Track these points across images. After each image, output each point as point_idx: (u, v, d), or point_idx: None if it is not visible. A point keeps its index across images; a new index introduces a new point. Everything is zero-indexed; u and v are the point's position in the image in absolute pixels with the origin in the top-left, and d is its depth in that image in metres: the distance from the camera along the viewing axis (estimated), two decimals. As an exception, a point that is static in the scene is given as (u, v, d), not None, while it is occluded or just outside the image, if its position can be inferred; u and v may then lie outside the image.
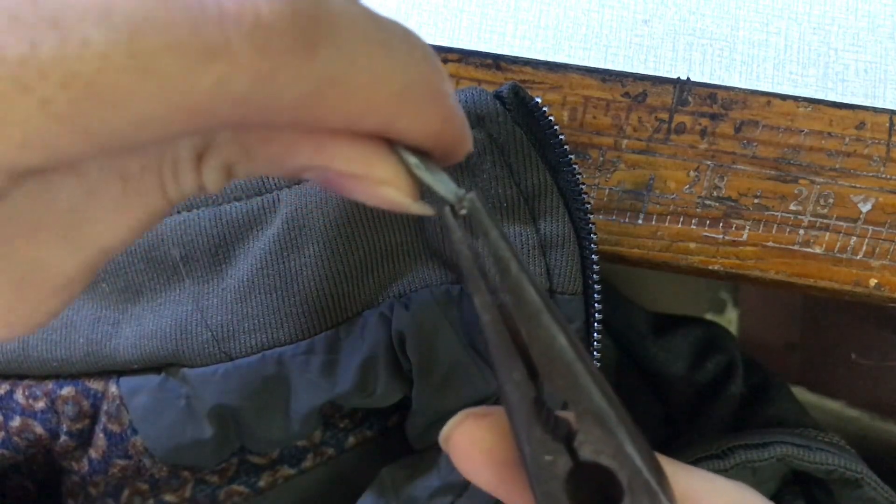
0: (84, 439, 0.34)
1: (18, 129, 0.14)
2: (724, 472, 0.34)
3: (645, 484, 0.18)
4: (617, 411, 0.18)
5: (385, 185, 0.19)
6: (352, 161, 0.18)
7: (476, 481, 0.21)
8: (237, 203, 0.31)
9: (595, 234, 0.30)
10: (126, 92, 0.14)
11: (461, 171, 0.29)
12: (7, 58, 0.13)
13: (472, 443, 0.20)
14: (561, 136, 0.29)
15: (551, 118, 0.29)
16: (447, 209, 0.19)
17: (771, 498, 0.37)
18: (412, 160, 0.19)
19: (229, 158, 0.18)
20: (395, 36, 0.17)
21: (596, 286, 0.30)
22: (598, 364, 0.30)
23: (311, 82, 0.15)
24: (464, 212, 0.19)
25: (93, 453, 0.34)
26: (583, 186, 0.29)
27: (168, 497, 0.37)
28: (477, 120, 0.29)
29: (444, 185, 0.19)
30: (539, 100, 0.29)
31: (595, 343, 0.30)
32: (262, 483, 0.38)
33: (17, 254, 0.17)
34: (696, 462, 0.34)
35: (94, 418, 0.34)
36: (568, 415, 0.19)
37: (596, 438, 0.18)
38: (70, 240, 0.17)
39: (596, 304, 0.30)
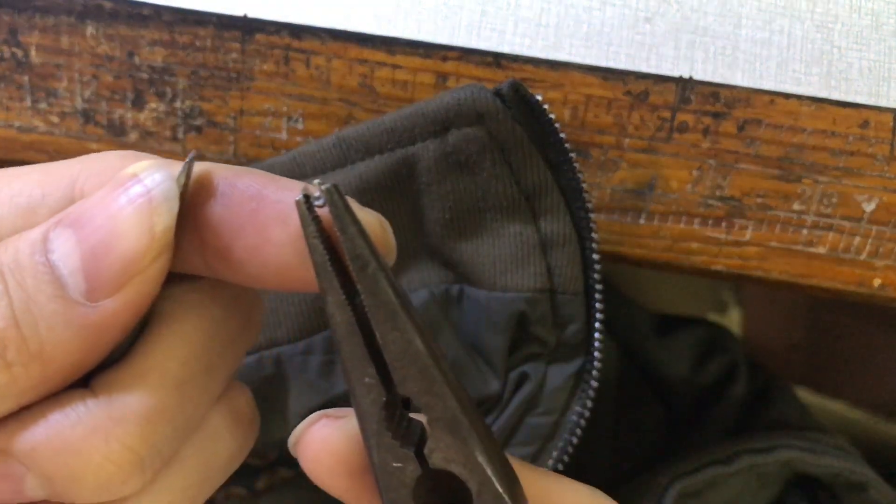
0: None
1: None
2: (729, 477, 0.34)
3: (495, 494, 0.18)
4: (470, 418, 0.18)
5: None
6: None
7: (326, 488, 0.20)
8: None
9: (596, 233, 0.29)
10: None
11: (460, 170, 0.29)
12: None
13: (322, 447, 0.20)
14: (562, 134, 0.29)
15: (552, 116, 0.29)
16: (301, 199, 0.18)
17: (775, 501, 0.36)
18: None
19: None
20: None
21: (597, 286, 0.30)
22: (600, 365, 0.30)
23: None
24: (318, 203, 0.18)
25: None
26: (584, 185, 0.29)
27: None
28: (477, 117, 0.28)
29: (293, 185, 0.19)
30: (540, 97, 0.28)
31: (596, 343, 0.30)
32: (259, 484, 0.37)
33: None
34: (701, 467, 0.34)
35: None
36: (422, 420, 0.18)
37: (446, 446, 0.18)
38: None
39: (597, 304, 0.30)
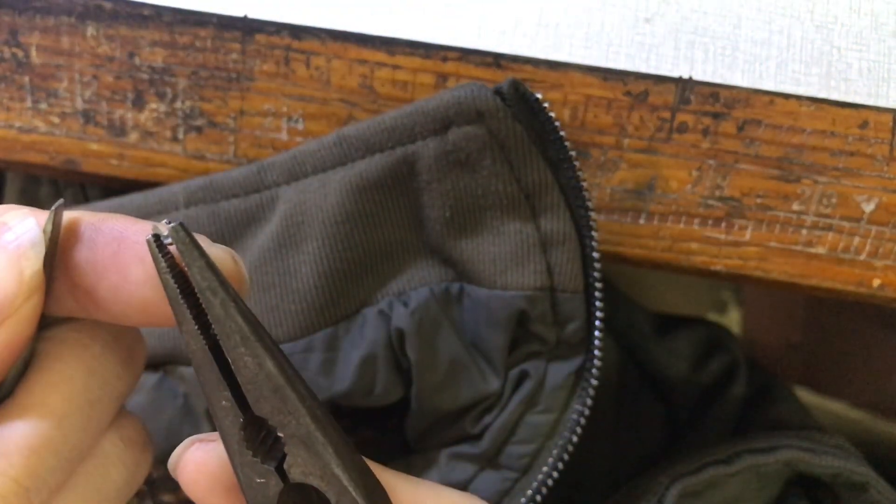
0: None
1: None
2: (730, 477, 0.34)
3: (352, 502, 0.19)
4: (325, 432, 0.19)
5: None
6: None
7: None
8: (235, 200, 0.31)
9: (596, 231, 0.29)
10: None
11: (460, 168, 0.29)
12: None
13: (197, 469, 0.21)
14: (562, 133, 0.29)
15: (552, 114, 0.29)
16: (150, 238, 0.19)
17: (774, 501, 0.36)
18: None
19: None
20: None
21: (597, 284, 0.30)
22: (600, 364, 0.30)
23: None
24: (168, 241, 0.19)
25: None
26: (583, 183, 0.29)
27: (166, 497, 0.36)
28: (477, 116, 0.28)
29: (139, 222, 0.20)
30: (539, 95, 0.28)
31: (596, 342, 0.30)
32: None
33: None
34: (702, 468, 0.34)
35: (91, 418, 0.34)
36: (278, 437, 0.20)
37: (304, 460, 0.19)
38: None
39: (597, 303, 0.30)
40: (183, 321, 0.19)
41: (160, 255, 0.19)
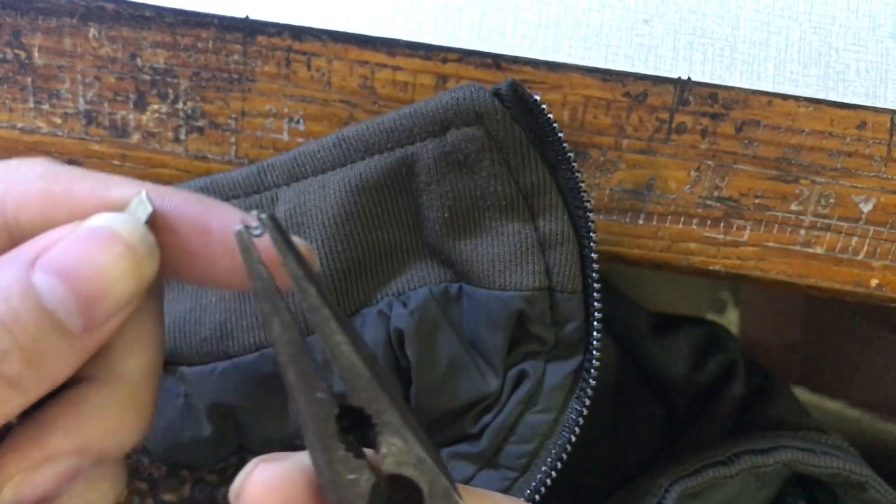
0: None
1: None
2: (729, 478, 0.34)
3: (444, 488, 0.19)
4: (413, 424, 0.19)
5: None
6: None
7: None
8: (235, 200, 0.31)
9: (595, 232, 0.30)
10: None
11: (458, 169, 0.29)
12: None
13: (266, 489, 0.20)
14: (560, 134, 0.29)
15: (550, 115, 0.29)
16: (241, 229, 0.19)
17: (772, 500, 0.36)
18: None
19: None
20: None
21: (595, 284, 0.30)
22: (598, 364, 0.30)
23: None
24: (257, 232, 0.19)
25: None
26: (582, 185, 0.29)
27: (167, 496, 0.37)
28: (475, 117, 0.29)
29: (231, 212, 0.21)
30: (538, 97, 0.29)
31: (594, 342, 0.30)
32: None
33: None
34: (701, 469, 0.34)
35: (93, 417, 0.34)
36: (370, 430, 0.19)
37: (398, 450, 0.19)
38: None
39: (596, 303, 0.30)
40: (274, 312, 0.19)
41: (252, 247, 0.19)
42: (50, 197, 0.21)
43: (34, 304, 0.19)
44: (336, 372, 0.19)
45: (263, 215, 0.19)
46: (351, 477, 0.19)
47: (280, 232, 0.19)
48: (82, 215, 0.20)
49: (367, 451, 0.20)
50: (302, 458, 0.20)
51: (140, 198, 0.21)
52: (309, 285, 0.19)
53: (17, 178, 0.21)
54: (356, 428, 0.19)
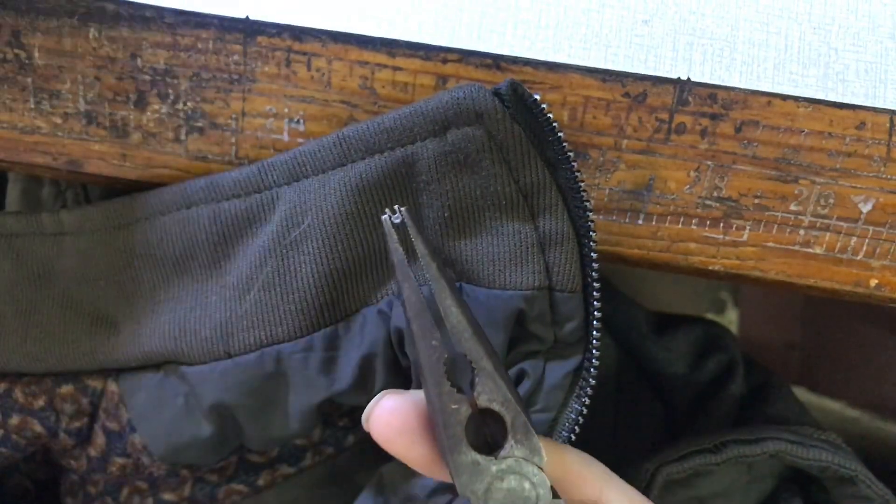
0: (83, 437, 0.34)
1: None
2: (716, 466, 0.34)
3: (523, 423, 0.25)
4: (504, 373, 0.25)
5: None
6: None
7: (393, 446, 0.26)
8: (236, 200, 0.31)
9: (594, 231, 0.30)
10: None
11: (458, 169, 0.29)
12: None
13: (391, 413, 0.26)
14: (560, 134, 0.29)
15: (550, 115, 0.29)
16: (386, 217, 0.25)
17: (768, 495, 0.37)
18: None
19: None
20: None
21: (595, 284, 0.30)
22: (598, 363, 0.31)
23: None
24: (397, 220, 0.25)
25: (92, 451, 0.34)
26: (582, 184, 0.29)
27: (167, 496, 0.37)
28: (475, 117, 0.29)
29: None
30: (538, 96, 0.29)
31: (594, 341, 0.30)
32: (261, 482, 0.38)
33: None
34: (687, 455, 0.34)
35: (92, 416, 0.34)
36: (469, 372, 0.25)
37: (490, 390, 0.24)
38: None
39: (595, 303, 0.30)
40: (406, 280, 0.25)
41: (393, 230, 0.25)
42: None
43: None
44: (447, 327, 0.25)
45: (403, 208, 0.25)
46: (454, 406, 0.24)
47: (413, 221, 0.25)
48: None
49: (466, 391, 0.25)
50: (417, 394, 0.26)
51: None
52: (431, 261, 0.25)
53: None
54: (457, 373, 0.25)
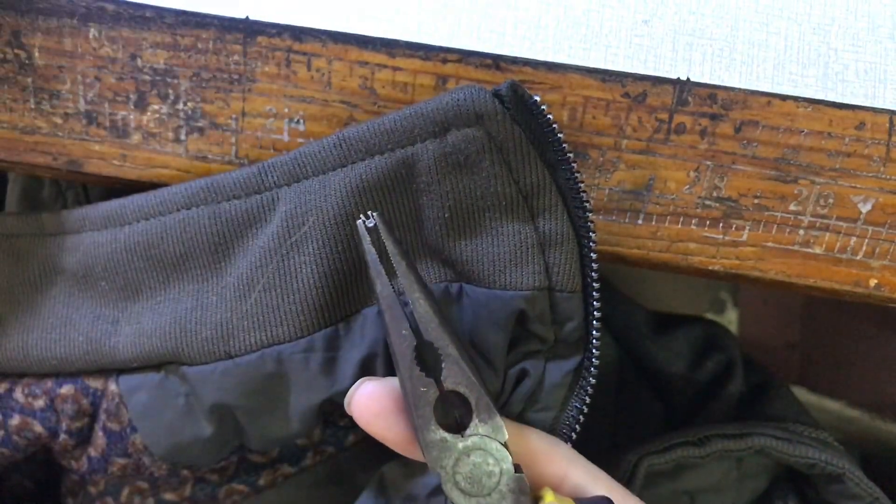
0: (83, 438, 0.34)
1: None
2: (700, 459, 0.34)
3: (487, 404, 0.27)
4: (467, 358, 0.27)
5: None
6: None
7: (372, 427, 0.28)
8: (236, 201, 0.31)
9: (594, 231, 0.30)
10: None
11: (458, 170, 0.29)
12: None
13: (369, 397, 0.28)
14: (560, 135, 0.29)
15: (550, 116, 0.29)
16: (360, 221, 0.27)
17: (762, 493, 0.37)
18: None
19: None
20: None
21: (595, 284, 0.30)
22: (598, 362, 0.31)
23: None
24: (370, 223, 0.27)
25: (92, 452, 0.34)
26: (581, 185, 0.29)
27: (168, 495, 0.37)
28: (476, 118, 0.29)
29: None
30: (538, 98, 0.29)
31: (594, 341, 0.30)
32: (261, 481, 0.38)
33: None
34: (671, 447, 0.34)
35: (93, 417, 0.34)
36: (436, 358, 0.27)
37: (454, 374, 0.27)
38: None
39: (595, 302, 0.30)
40: (378, 277, 0.27)
41: (367, 233, 0.27)
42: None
43: None
44: (416, 317, 0.27)
45: (375, 213, 0.27)
46: (422, 389, 0.27)
47: (385, 224, 0.27)
48: None
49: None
50: (393, 380, 0.29)
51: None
52: (401, 260, 0.27)
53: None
54: (426, 359, 0.27)
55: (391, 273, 0.27)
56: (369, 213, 0.28)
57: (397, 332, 0.27)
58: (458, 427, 0.28)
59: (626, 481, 0.33)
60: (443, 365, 0.27)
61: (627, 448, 0.35)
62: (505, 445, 0.27)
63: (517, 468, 0.27)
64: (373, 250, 0.27)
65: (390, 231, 0.28)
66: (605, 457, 0.31)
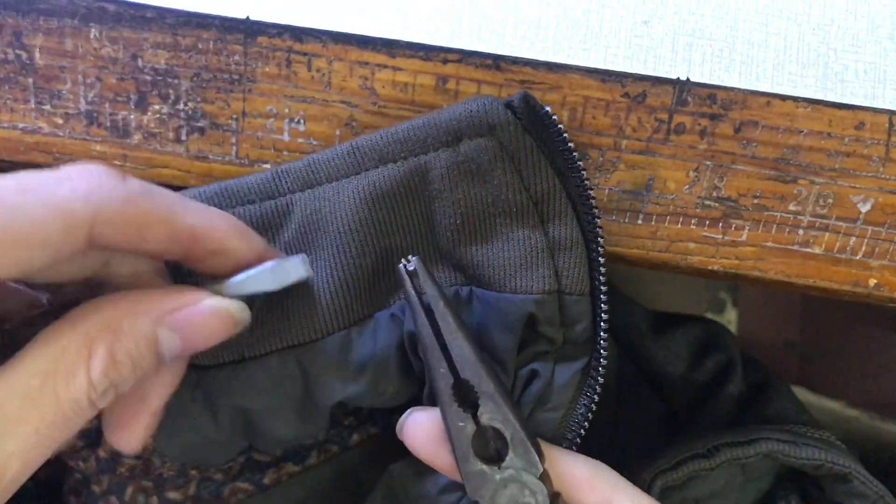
0: (93, 439, 0.34)
1: None
2: (710, 471, 0.34)
3: (522, 440, 0.28)
4: (503, 393, 0.29)
5: None
6: None
7: (420, 452, 0.30)
8: (251, 206, 0.31)
9: (602, 236, 0.30)
10: None
11: (471, 178, 0.30)
12: None
13: (417, 426, 0.30)
14: (570, 144, 0.30)
15: (560, 126, 0.29)
16: (401, 265, 0.29)
17: (765, 494, 0.37)
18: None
19: (112, 353, 0.25)
20: None
21: (602, 287, 0.30)
22: (605, 362, 0.31)
23: None
24: (411, 267, 0.29)
25: (101, 453, 0.34)
26: (590, 191, 0.30)
27: (172, 494, 0.37)
28: (488, 128, 0.29)
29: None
30: (549, 108, 0.29)
31: (602, 342, 0.31)
32: (266, 480, 0.38)
33: None
34: (682, 462, 0.34)
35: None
36: (474, 395, 0.29)
37: (490, 410, 0.28)
38: None
39: (602, 305, 0.30)
40: (418, 316, 0.29)
41: (407, 276, 0.29)
42: (141, 225, 0.25)
43: (153, 350, 0.26)
44: (453, 357, 0.28)
45: (414, 258, 0.29)
46: (461, 424, 0.28)
47: (424, 267, 0.29)
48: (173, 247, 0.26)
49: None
50: (438, 412, 0.30)
51: (297, 263, 0.29)
52: (439, 300, 0.29)
53: (105, 194, 0.24)
54: (466, 395, 0.29)
55: (429, 313, 0.29)
56: (409, 257, 0.29)
57: (437, 370, 0.29)
58: (497, 458, 0.29)
59: None
60: (479, 401, 0.28)
61: (640, 462, 0.35)
62: (541, 478, 0.28)
63: (557, 497, 0.29)
64: (413, 293, 0.29)
65: (429, 273, 0.29)
66: (606, 457, 0.31)
